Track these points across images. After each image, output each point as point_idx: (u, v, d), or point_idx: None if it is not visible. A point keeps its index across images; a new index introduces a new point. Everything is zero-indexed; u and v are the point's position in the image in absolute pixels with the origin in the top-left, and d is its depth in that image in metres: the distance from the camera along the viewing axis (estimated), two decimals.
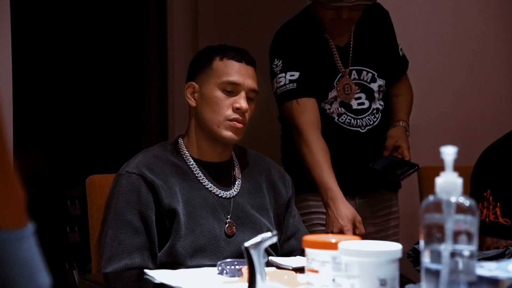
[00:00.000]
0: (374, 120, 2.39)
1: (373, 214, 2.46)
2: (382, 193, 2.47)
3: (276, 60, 2.33)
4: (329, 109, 2.35)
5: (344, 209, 2.13)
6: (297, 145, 2.27)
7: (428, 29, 2.86)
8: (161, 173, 1.82)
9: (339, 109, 2.35)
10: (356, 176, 2.39)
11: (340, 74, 2.36)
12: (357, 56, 2.39)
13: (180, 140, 1.92)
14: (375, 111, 2.40)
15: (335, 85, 2.35)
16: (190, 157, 1.88)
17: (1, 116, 0.77)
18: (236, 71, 1.86)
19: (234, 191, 1.90)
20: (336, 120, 2.35)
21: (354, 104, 2.36)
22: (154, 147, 1.91)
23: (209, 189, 1.86)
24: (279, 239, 1.96)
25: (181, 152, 1.89)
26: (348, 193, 2.39)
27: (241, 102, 1.84)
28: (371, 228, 2.44)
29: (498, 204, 2.08)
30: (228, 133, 1.85)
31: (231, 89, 1.85)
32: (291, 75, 2.29)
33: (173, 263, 1.77)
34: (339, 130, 2.35)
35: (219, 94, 1.85)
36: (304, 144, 2.24)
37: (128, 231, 1.75)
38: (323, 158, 2.21)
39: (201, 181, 1.86)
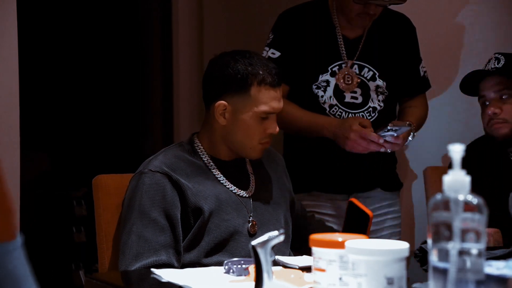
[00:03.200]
0: (369, 117, 2.39)
1: None
2: (378, 192, 2.47)
3: (271, 33, 2.44)
4: (322, 96, 2.37)
5: (351, 139, 2.22)
6: None
7: (431, 30, 2.86)
8: (183, 173, 1.83)
9: (332, 98, 2.36)
10: (348, 174, 2.39)
11: (342, 63, 2.39)
12: (364, 52, 2.41)
13: (196, 140, 1.92)
14: (371, 109, 2.40)
15: (334, 71, 2.38)
16: (208, 157, 1.89)
17: None
18: (273, 99, 1.86)
19: (251, 188, 1.92)
20: (327, 111, 2.38)
21: (348, 97, 2.38)
22: (172, 147, 1.92)
23: (230, 188, 1.88)
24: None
25: (199, 152, 1.90)
26: (341, 192, 2.40)
27: (275, 127, 1.88)
28: None
29: None
30: (256, 153, 1.90)
31: (266, 116, 1.86)
32: (272, 53, 2.40)
33: (195, 259, 1.79)
34: None
35: (255, 121, 1.85)
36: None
37: (153, 229, 1.76)
38: (296, 108, 2.35)
39: (221, 181, 1.88)
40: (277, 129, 1.88)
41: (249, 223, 1.86)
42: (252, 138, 1.87)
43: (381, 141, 2.22)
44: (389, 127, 2.21)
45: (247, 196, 1.90)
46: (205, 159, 1.89)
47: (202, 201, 1.80)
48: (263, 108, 1.84)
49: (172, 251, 1.76)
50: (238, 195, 1.88)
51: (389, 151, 2.28)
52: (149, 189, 1.78)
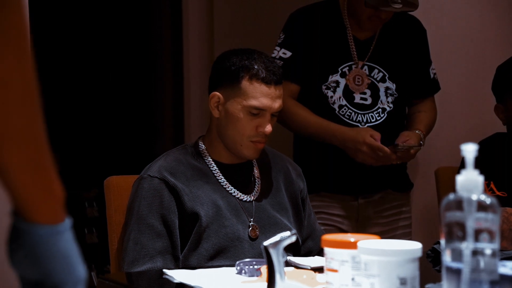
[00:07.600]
0: (378, 118, 2.39)
1: (377, 214, 2.46)
2: (388, 193, 2.47)
3: (281, 33, 2.43)
4: (332, 97, 2.36)
5: (363, 147, 2.25)
6: (281, 121, 2.32)
7: (441, 29, 2.85)
8: (183, 176, 1.81)
9: (341, 99, 2.36)
10: (357, 175, 2.39)
11: (353, 64, 2.39)
12: (375, 53, 2.41)
13: (201, 143, 1.91)
14: (380, 110, 2.40)
15: (344, 72, 2.38)
16: (211, 160, 1.88)
17: (41, 116, 0.79)
18: (264, 95, 1.81)
19: (255, 193, 1.89)
20: (336, 112, 2.37)
21: (357, 98, 2.38)
22: (174, 150, 1.91)
23: (231, 193, 1.86)
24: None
25: (202, 155, 1.89)
26: (350, 193, 2.40)
27: (267, 126, 1.83)
28: (376, 228, 2.44)
29: (492, 182, 2.11)
30: (249, 152, 1.85)
31: (257, 112, 1.82)
32: (283, 53, 2.40)
33: (196, 265, 1.77)
34: (339, 123, 2.37)
35: (244, 115, 1.82)
36: (287, 113, 2.31)
37: (150, 235, 1.75)
38: (308, 112, 2.35)
39: (223, 185, 1.86)
40: (269, 128, 1.83)
41: (249, 227, 1.84)
42: (241, 133, 1.83)
43: (393, 157, 2.28)
44: (399, 147, 2.28)
45: (249, 200, 1.87)
46: (208, 162, 1.88)
47: (198, 207, 1.78)
48: (252, 102, 1.81)
49: (169, 257, 1.75)
50: (240, 199, 1.86)
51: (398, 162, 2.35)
52: (147, 194, 1.78)
